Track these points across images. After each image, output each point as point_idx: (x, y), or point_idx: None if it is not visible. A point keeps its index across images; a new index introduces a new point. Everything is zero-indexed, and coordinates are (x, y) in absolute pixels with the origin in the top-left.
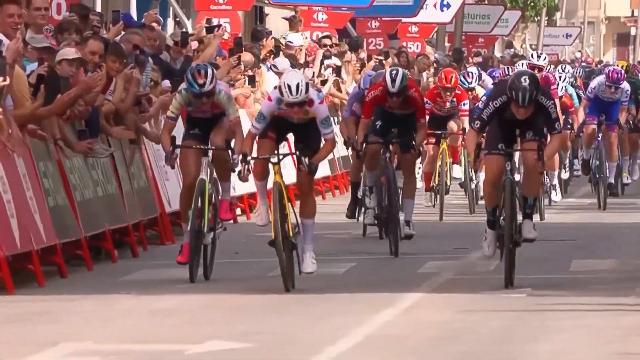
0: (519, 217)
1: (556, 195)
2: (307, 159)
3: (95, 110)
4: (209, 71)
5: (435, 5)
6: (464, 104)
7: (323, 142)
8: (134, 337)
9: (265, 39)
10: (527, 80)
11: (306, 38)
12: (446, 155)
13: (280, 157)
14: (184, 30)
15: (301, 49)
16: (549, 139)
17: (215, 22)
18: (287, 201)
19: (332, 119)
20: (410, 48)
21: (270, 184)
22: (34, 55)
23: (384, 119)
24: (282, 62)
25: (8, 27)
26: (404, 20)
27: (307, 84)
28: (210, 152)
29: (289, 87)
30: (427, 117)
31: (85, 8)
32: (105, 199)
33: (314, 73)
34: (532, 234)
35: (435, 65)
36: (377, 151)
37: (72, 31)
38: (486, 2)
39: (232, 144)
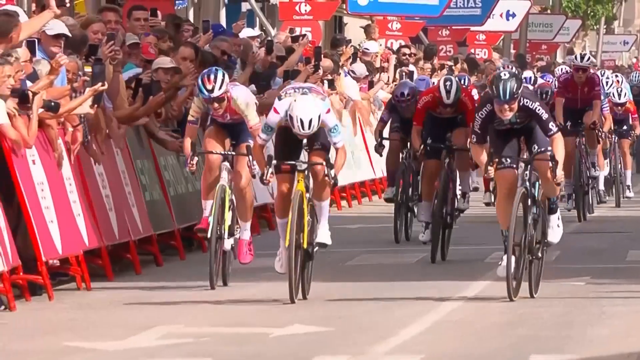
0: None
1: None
2: (332, 171)
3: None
4: (219, 75)
5: (501, 15)
6: None
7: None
8: (223, 321)
9: (344, 47)
10: (507, 75)
11: (380, 45)
12: None
13: (304, 165)
14: (269, 38)
15: (377, 56)
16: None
17: (297, 31)
18: (306, 211)
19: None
20: (478, 55)
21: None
22: (136, 60)
23: (433, 124)
24: (359, 67)
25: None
26: (472, 28)
27: (319, 117)
28: (232, 158)
29: (302, 121)
30: None
31: (178, 18)
32: (196, 194)
33: (388, 77)
34: (556, 235)
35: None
36: (436, 166)
37: (166, 39)
38: (549, 11)
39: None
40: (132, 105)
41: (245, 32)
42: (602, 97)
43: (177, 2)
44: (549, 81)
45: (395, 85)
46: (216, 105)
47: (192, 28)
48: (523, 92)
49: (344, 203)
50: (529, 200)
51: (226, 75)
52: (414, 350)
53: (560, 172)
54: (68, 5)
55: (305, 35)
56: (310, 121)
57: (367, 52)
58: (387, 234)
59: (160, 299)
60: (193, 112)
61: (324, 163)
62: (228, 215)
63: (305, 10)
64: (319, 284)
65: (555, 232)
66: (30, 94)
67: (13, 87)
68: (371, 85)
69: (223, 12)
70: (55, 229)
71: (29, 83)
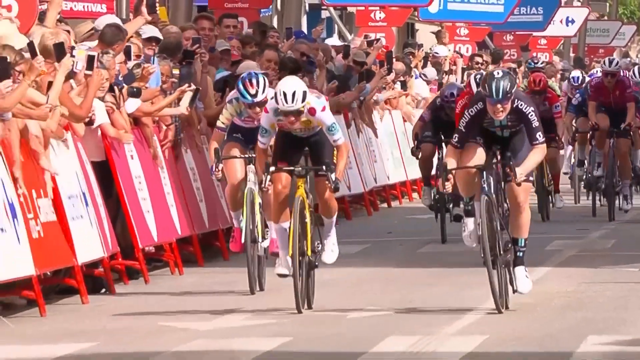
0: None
1: (627, 205)
2: (333, 175)
3: None
4: (261, 80)
5: (561, 21)
6: (556, 107)
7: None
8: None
9: (416, 50)
10: (500, 74)
11: (449, 50)
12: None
13: (303, 170)
14: (346, 43)
15: (446, 59)
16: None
17: (373, 37)
18: (308, 218)
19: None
20: (539, 58)
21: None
22: (226, 65)
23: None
24: (430, 71)
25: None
26: (535, 34)
27: (304, 92)
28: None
29: (285, 94)
30: None
31: (263, 25)
32: None
33: (456, 79)
34: (527, 287)
35: (561, 72)
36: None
37: (253, 44)
38: (606, 18)
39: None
40: (219, 105)
41: (331, 41)
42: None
43: (262, 10)
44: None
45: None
46: (257, 109)
47: (276, 34)
48: (518, 94)
49: (407, 196)
50: (494, 206)
51: (266, 79)
52: (479, 332)
53: (520, 173)
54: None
55: (379, 39)
56: (294, 94)
57: (437, 55)
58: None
59: (245, 284)
60: (224, 120)
61: (327, 175)
62: (258, 218)
63: (380, 17)
64: (393, 270)
65: (524, 283)
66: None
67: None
68: (440, 86)
69: (304, 20)
70: (151, 219)
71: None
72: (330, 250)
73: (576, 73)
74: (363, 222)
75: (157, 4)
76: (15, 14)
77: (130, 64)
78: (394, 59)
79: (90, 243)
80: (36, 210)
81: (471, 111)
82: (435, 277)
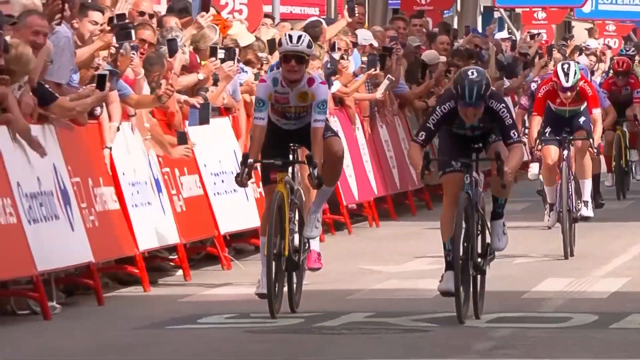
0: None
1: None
2: (316, 171)
3: None
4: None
5: None
6: (637, 92)
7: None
8: None
9: (569, 41)
10: (475, 74)
11: (599, 43)
12: (622, 140)
13: (281, 163)
14: (513, 38)
15: (595, 51)
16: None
17: (535, 32)
18: (287, 216)
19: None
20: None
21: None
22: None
23: (553, 119)
24: (582, 59)
25: None
26: None
27: (310, 41)
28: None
29: (290, 36)
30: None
31: (447, 24)
32: None
33: (605, 67)
34: (502, 242)
35: None
36: (555, 167)
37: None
38: None
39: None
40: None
41: (500, 35)
42: None
43: (444, 11)
44: None
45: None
46: None
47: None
48: (491, 92)
49: None
50: (472, 207)
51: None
52: (622, 275)
53: (508, 173)
54: (357, 15)
55: (539, 33)
56: (300, 36)
57: (588, 48)
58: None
59: (432, 235)
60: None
61: (314, 180)
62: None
63: (542, 17)
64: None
65: (501, 239)
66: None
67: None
68: (592, 74)
69: (479, 19)
70: (353, 182)
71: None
72: (314, 226)
73: None
74: (525, 184)
75: (356, 8)
76: (245, 17)
77: (336, 55)
78: (553, 51)
79: None
80: (178, 187)
81: (443, 108)
82: (584, 230)
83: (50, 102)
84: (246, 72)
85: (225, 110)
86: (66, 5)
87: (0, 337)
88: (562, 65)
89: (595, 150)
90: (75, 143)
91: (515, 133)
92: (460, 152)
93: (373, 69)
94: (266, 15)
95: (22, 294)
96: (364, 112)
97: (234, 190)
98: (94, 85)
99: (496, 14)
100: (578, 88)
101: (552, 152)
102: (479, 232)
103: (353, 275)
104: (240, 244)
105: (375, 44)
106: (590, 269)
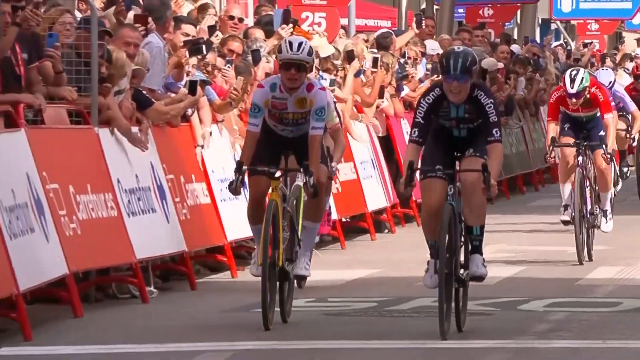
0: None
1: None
2: (311, 179)
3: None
4: None
5: None
6: None
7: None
8: (529, 240)
9: (620, 45)
10: (460, 49)
11: None
12: None
13: (279, 172)
14: (568, 47)
15: None
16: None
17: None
18: (281, 224)
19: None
20: None
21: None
22: None
23: (570, 123)
24: (630, 66)
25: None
26: None
27: (311, 48)
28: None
29: (290, 43)
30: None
31: (508, 35)
32: (518, 155)
33: None
34: (481, 270)
35: None
36: (571, 166)
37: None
38: None
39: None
40: None
41: (555, 44)
42: None
43: (505, 23)
44: None
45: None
46: None
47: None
48: (479, 84)
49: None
50: (456, 218)
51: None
52: None
53: (494, 184)
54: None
55: (592, 42)
56: (301, 44)
57: (637, 56)
58: None
59: (501, 226)
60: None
61: (305, 179)
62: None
63: (595, 28)
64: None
65: (480, 268)
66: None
67: None
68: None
69: (537, 30)
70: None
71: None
72: (304, 267)
73: None
74: None
75: (425, 21)
76: (323, 29)
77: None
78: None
79: (376, 196)
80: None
81: (427, 99)
82: (632, 223)
83: (147, 107)
84: (325, 79)
85: None
86: (150, 19)
87: (104, 319)
88: (571, 71)
89: (609, 156)
90: (170, 143)
91: (498, 132)
92: (445, 159)
93: (436, 75)
94: (342, 27)
95: (123, 280)
96: None
97: None
98: (186, 90)
99: (553, 26)
100: (589, 95)
101: (569, 152)
102: (462, 243)
103: (421, 264)
104: (318, 234)
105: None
106: (636, 258)
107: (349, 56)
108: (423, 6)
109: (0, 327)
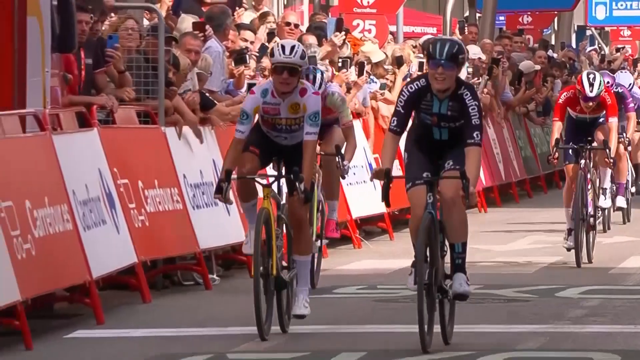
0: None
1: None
2: (302, 185)
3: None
4: (318, 76)
5: None
6: None
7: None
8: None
9: None
10: (449, 38)
11: None
12: None
13: (271, 179)
14: (602, 52)
15: None
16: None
17: (620, 47)
18: (274, 233)
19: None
20: None
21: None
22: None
23: (573, 125)
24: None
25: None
26: None
27: (303, 52)
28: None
29: (283, 47)
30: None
31: (545, 41)
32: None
33: None
34: (463, 288)
35: None
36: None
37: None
38: None
39: (343, 150)
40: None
41: (590, 49)
42: None
43: (543, 30)
44: None
45: None
46: None
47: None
48: (467, 84)
49: None
50: (436, 228)
51: (324, 74)
52: None
53: (473, 191)
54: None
55: (624, 47)
56: (293, 47)
57: None
58: None
59: (529, 218)
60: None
61: (301, 194)
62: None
63: (627, 34)
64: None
65: (463, 285)
66: None
67: None
68: None
69: (573, 36)
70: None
71: None
72: (303, 305)
73: None
74: None
75: (468, 27)
76: (373, 35)
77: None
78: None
79: None
80: None
81: (410, 87)
82: None
83: (209, 108)
84: (376, 82)
85: (356, 115)
86: (207, 26)
87: (170, 304)
88: (588, 74)
89: (612, 160)
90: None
91: (479, 135)
92: (427, 167)
93: (476, 78)
94: (390, 34)
95: (188, 268)
96: None
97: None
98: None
99: (588, 32)
100: (599, 98)
101: (572, 171)
102: (445, 252)
103: (469, 252)
104: (369, 226)
105: (483, 57)
106: None
107: (398, 61)
108: (466, 14)
109: (75, 312)
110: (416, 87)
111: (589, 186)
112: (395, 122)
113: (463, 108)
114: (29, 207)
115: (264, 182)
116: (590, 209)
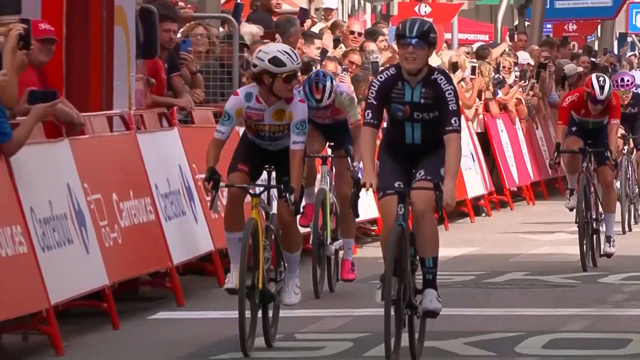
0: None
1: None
2: (292, 197)
3: None
4: (328, 85)
5: None
6: None
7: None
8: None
9: None
10: (419, 18)
11: None
12: None
13: (261, 188)
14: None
15: None
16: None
17: None
18: (261, 245)
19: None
20: None
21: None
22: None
23: (575, 128)
24: None
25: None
26: None
27: (295, 54)
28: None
29: (290, 55)
30: None
31: (589, 47)
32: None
33: None
34: (433, 305)
35: None
36: (576, 156)
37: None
38: None
39: (352, 150)
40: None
41: (630, 54)
42: None
43: (587, 36)
44: None
45: None
46: (322, 111)
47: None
48: (442, 70)
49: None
50: (407, 241)
51: (334, 81)
52: None
53: (451, 198)
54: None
55: None
56: (296, 54)
57: None
58: None
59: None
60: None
61: (292, 205)
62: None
63: None
64: None
65: (434, 302)
66: None
67: None
68: None
69: (615, 42)
70: (514, 169)
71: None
72: (293, 291)
73: None
74: None
75: (517, 35)
76: None
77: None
78: None
79: (475, 184)
80: None
81: (380, 77)
82: None
83: None
84: None
85: None
86: (277, 35)
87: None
88: (598, 77)
89: (614, 163)
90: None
91: (457, 121)
92: (400, 176)
93: (523, 81)
94: (446, 41)
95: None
96: (522, 115)
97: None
98: None
99: (629, 39)
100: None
101: (572, 141)
102: (415, 266)
103: (514, 242)
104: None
105: (532, 62)
106: None
107: (454, 66)
108: (516, 22)
109: (157, 295)
110: (386, 75)
111: (592, 189)
112: (370, 115)
113: (438, 95)
114: (115, 200)
115: (254, 192)
116: (593, 213)
